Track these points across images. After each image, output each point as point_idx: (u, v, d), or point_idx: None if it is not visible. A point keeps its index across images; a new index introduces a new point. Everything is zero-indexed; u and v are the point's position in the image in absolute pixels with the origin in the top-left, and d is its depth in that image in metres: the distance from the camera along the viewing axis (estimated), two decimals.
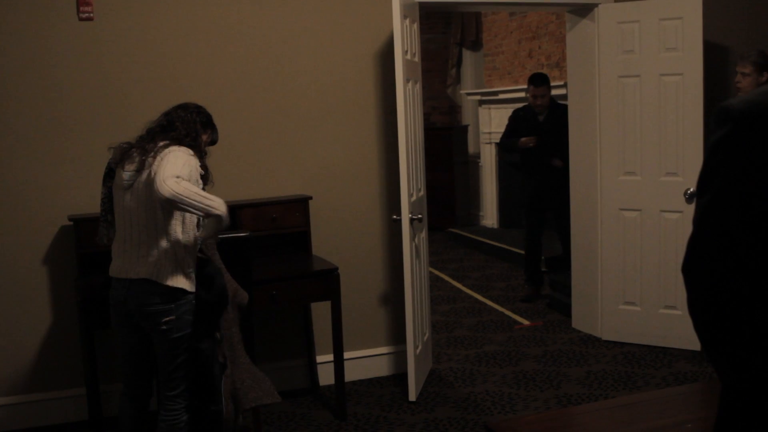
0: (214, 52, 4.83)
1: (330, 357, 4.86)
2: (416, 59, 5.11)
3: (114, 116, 4.66)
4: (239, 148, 4.90)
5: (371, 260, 5.25)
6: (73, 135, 4.63)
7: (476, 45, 11.12)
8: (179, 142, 3.50)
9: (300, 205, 4.93)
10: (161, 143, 3.49)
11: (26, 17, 4.52)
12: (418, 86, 5.16)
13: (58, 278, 4.69)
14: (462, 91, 11.36)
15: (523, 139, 6.88)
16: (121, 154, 3.56)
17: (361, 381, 5.21)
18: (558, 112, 6.82)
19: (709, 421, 2.04)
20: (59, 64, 4.60)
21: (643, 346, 5.70)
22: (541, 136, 6.83)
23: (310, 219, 4.97)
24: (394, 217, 4.89)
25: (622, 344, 5.76)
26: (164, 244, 3.44)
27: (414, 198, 4.87)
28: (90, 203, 4.60)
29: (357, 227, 5.19)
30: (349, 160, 5.14)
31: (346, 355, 4.93)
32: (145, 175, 3.41)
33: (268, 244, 4.92)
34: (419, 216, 4.87)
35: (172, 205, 3.28)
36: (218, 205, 3.33)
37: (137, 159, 3.47)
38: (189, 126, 3.60)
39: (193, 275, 3.54)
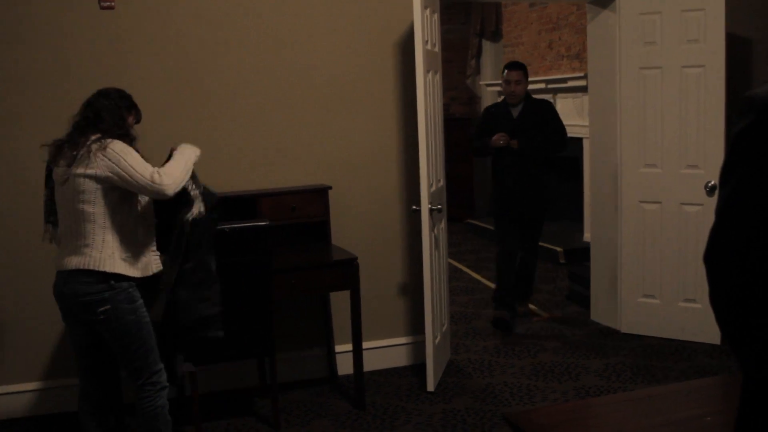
0: (234, 42, 4.84)
1: (349, 347, 4.87)
2: (436, 50, 5.10)
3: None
4: (259, 137, 4.92)
5: (390, 250, 5.26)
6: None
7: (496, 36, 11.08)
8: (111, 134, 3.50)
9: (320, 194, 4.94)
10: (93, 137, 3.48)
11: (48, 6, 4.54)
12: (438, 77, 5.15)
13: None
14: (481, 82, 11.33)
15: (494, 136, 5.96)
16: (55, 151, 3.57)
17: (379, 371, 5.23)
18: (534, 107, 6.14)
19: (729, 415, 2.03)
20: (80, 52, 4.63)
21: (662, 339, 5.68)
22: (515, 134, 5.97)
23: (329, 209, 4.98)
24: (414, 207, 4.89)
25: (641, 337, 5.75)
26: (96, 233, 3.42)
27: (434, 188, 4.87)
28: None
29: (376, 217, 5.20)
30: (369, 150, 5.14)
31: (365, 344, 4.94)
32: (79, 169, 3.40)
33: (287, 233, 4.93)
34: (439, 206, 4.87)
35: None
36: (192, 152, 3.66)
37: (68, 154, 3.48)
38: (115, 115, 3.60)
39: (133, 260, 3.50)
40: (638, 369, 5.15)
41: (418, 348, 5.29)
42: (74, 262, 3.42)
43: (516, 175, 6.02)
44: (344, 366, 5.13)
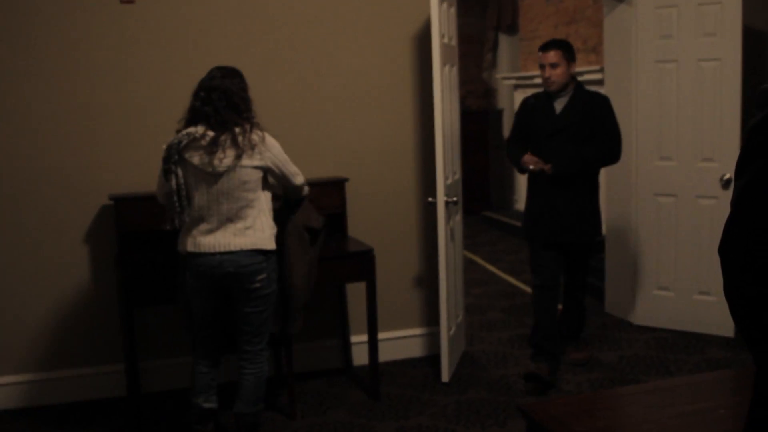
0: (252, 36, 4.87)
1: (364, 337, 4.91)
2: (453, 43, 5.12)
3: (154, 99, 4.74)
4: (277, 130, 4.93)
5: (406, 242, 5.29)
6: (114, 116, 4.70)
7: (512, 29, 11.07)
8: (253, 122, 3.82)
9: (336, 186, 4.98)
10: (246, 126, 3.78)
11: (69, 1, 4.59)
12: (455, 70, 5.17)
13: (99, 256, 4.79)
14: (498, 76, 11.33)
15: (525, 157, 4.80)
16: (195, 142, 3.75)
17: (394, 362, 5.27)
18: (585, 101, 4.86)
19: (742, 408, 2.04)
20: (100, 47, 4.68)
21: (676, 331, 5.70)
22: (554, 136, 4.80)
23: (346, 201, 5.01)
24: (430, 199, 4.92)
25: (655, 329, 5.76)
26: (257, 217, 3.83)
27: (449, 181, 4.90)
28: (130, 183, 4.68)
29: (392, 209, 5.23)
30: (386, 142, 5.17)
31: (380, 335, 4.98)
32: (245, 161, 3.73)
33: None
34: (454, 199, 4.90)
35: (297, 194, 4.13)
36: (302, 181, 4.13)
37: (227, 145, 3.71)
38: (248, 99, 3.88)
39: (274, 236, 3.92)
40: (652, 361, 5.17)
41: (432, 339, 5.32)
42: (239, 242, 3.77)
43: (552, 192, 4.84)
44: (359, 357, 5.17)
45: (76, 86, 4.65)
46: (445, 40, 4.85)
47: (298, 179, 4.03)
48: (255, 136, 3.76)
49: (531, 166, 4.75)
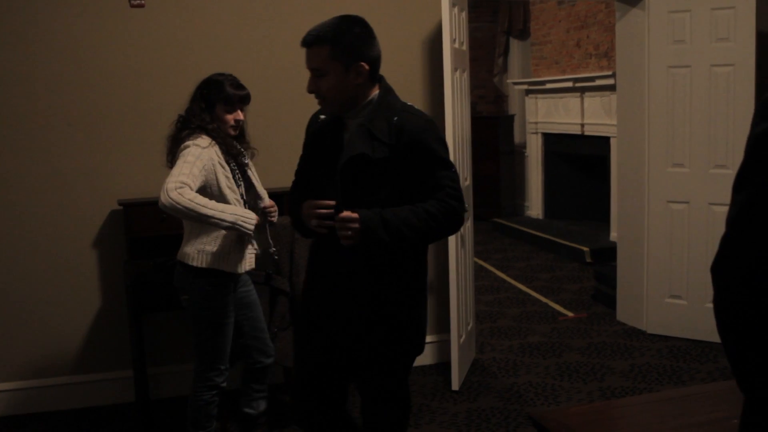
0: (260, 39, 4.86)
1: None
2: (464, 48, 5.10)
3: (164, 103, 4.72)
4: (286, 134, 4.93)
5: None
6: (123, 121, 4.69)
7: (524, 34, 11.05)
8: (190, 133, 3.57)
9: None
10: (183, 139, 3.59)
11: (78, 4, 4.58)
12: (466, 75, 5.14)
13: (107, 262, 4.77)
14: (509, 81, 11.30)
15: (307, 211, 2.77)
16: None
17: None
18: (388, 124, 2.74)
19: None
20: (110, 50, 4.67)
21: (689, 340, 5.64)
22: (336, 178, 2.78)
23: None
24: None
25: (667, 338, 5.71)
26: (191, 229, 3.61)
27: None
28: (139, 188, 4.67)
29: None
30: None
31: None
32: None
33: None
34: (465, 205, 4.86)
35: (175, 214, 3.37)
36: (226, 217, 3.42)
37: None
38: (191, 108, 3.66)
39: (219, 254, 3.58)
40: (664, 370, 5.12)
41: (443, 346, 5.28)
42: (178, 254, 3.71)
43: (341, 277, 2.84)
44: None
45: (85, 90, 4.64)
46: (456, 44, 4.82)
47: (162, 194, 3.33)
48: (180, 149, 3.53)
49: (318, 228, 2.74)
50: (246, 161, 3.75)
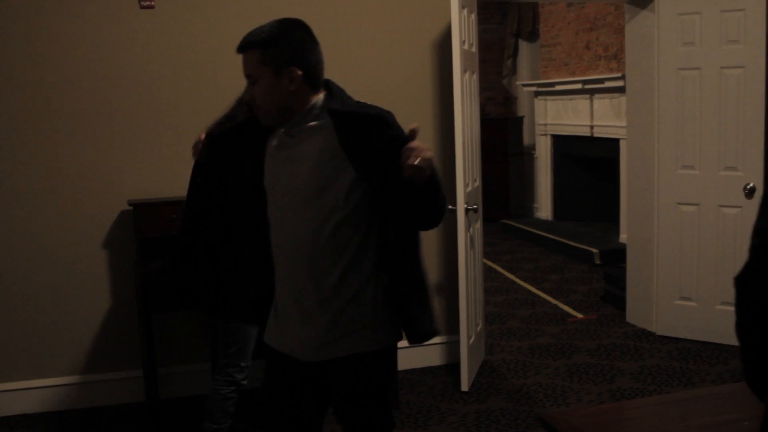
0: None
1: None
2: (473, 50, 5.10)
3: (174, 104, 4.74)
4: None
5: (425, 249, 5.24)
6: (133, 122, 4.71)
7: (533, 36, 11.04)
8: None
9: None
10: None
11: (88, 5, 4.60)
12: (475, 77, 5.15)
13: (117, 262, 4.79)
14: (518, 82, 11.30)
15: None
16: None
17: (413, 370, 5.23)
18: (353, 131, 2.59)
19: None
20: (120, 52, 4.68)
21: (699, 342, 5.63)
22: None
23: None
24: (450, 207, 4.89)
25: (677, 340, 5.70)
26: None
27: (469, 188, 4.87)
28: (148, 188, 4.68)
29: None
30: None
31: (399, 343, 4.94)
32: None
33: None
34: (474, 206, 4.87)
35: None
36: None
37: None
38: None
39: None
40: (674, 372, 5.11)
41: (452, 347, 5.29)
42: None
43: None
44: None
45: (96, 91, 4.66)
46: (466, 46, 4.83)
47: None
48: None
49: None
50: None
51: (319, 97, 2.62)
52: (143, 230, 4.56)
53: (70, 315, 4.76)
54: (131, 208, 4.62)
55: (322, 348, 2.52)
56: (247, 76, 2.59)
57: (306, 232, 2.48)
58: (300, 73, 2.54)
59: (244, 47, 2.61)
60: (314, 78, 2.61)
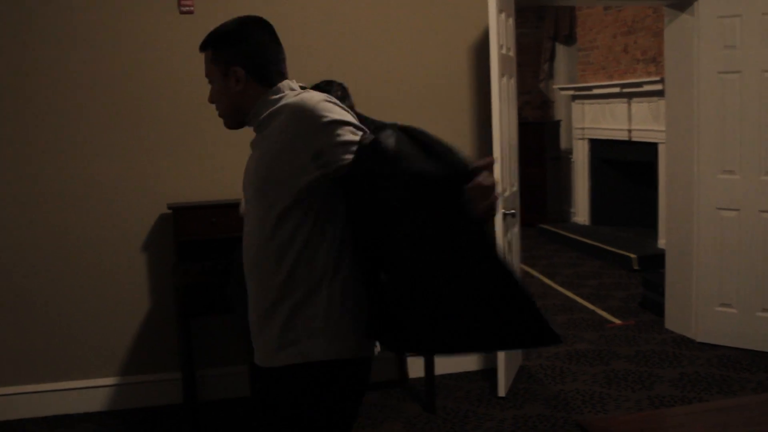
0: (309, 46, 4.89)
1: None
2: (511, 54, 5.08)
3: (213, 108, 4.76)
4: None
5: None
6: (172, 126, 4.75)
7: (570, 39, 10.98)
8: None
9: None
10: None
11: (128, 11, 4.65)
12: (513, 81, 5.13)
13: (156, 265, 4.83)
14: (555, 86, 11.24)
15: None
16: None
17: (450, 375, 5.22)
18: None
19: None
20: (160, 56, 4.73)
21: (739, 349, 5.56)
22: None
23: None
24: None
25: (717, 347, 5.64)
26: None
27: (507, 193, 4.85)
28: (188, 192, 4.72)
29: None
30: None
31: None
32: None
33: None
34: (512, 211, 4.85)
35: None
36: None
37: None
38: None
39: None
40: (714, 380, 5.05)
41: (489, 353, 5.27)
42: None
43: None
44: (415, 369, 5.13)
45: (135, 95, 4.71)
46: (503, 50, 4.81)
47: None
48: None
49: None
50: None
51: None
52: (182, 233, 4.60)
53: (110, 317, 4.81)
54: (170, 211, 4.66)
55: (274, 354, 2.33)
56: (207, 77, 2.55)
57: (254, 228, 2.37)
58: (242, 72, 2.43)
59: (201, 47, 2.56)
60: (264, 78, 2.44)
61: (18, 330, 4.74)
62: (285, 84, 2.46)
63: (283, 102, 2.37)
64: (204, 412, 4.73)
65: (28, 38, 4.58)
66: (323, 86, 3.77)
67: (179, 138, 4.76)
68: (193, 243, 4.62)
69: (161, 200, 4.76)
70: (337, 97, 3.36)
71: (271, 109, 2.40)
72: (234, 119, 2.53)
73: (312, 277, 2.30)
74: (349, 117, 2.29)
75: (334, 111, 2.26)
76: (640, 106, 8.83)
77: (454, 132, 5.13)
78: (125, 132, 4.73)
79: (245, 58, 2.43)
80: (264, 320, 2.36)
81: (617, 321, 6.42)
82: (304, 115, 2.26)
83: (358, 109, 3.77)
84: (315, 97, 2.30)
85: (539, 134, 11.09)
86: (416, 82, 5.07)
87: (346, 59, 4.95)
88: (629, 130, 9.08)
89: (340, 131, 2.24)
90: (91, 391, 4.81)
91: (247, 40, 2.47)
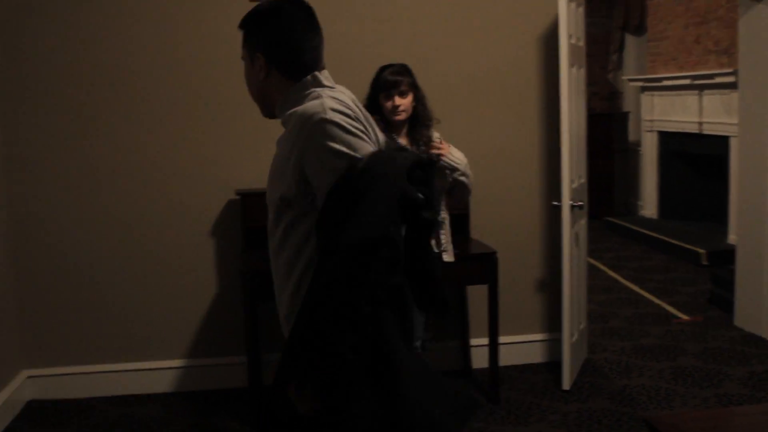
0: (376, 37, 4.89)
1: (484, 340, 4.87)
2: (581, 44, 5.02)
3: None
4: None
5: (529, 245, 5.21)
6: (241, 112, 4.79)
7: (640, 29, 10.81)
8: None
9: None
10: None
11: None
12: (582, 72, 5.07)
13: (224, 250, 4.89)
14: (624, 77, 11.08)
15: None
16: None
17: (514, 366, 5.19)
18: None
19: None
20: (228, 44, 4.76)
21: None
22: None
23: (469, 202, 4.97)
24: (554, 203, 4.83)
25: None
26: None
27: (575, 185, 4.80)
28: (256, 179, 4.76)
29: (516, 212, 5.17)
30: (510, 144, 5.11)
31: (501, 339, 4.92)
32: None
33: None
34: (580, 203, 4.80)
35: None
36: None
37: None
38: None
39: None
40: None
41: (554, 345, 5.23)
42: None
43: None
44: (478, 360, 5.12)
45: (204, 84, 4.77)
46: (573, 40, 4.76)
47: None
48: None
49: None
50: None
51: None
52: (250, 219, 4.65)
53: (178, 302, 4.89)
54: (239, 197, 4.71)
55: None
56: (241, 58, 2.40)
57: (270, 233, 2.25)
58: (263, 60, 2.27)
59: (239, 25, 2.38)
60: (287, 68, 2.26)
61: (91, 313, 4.85)
62: (310, 79, 2.25)
63: (305, 101, 2.18)
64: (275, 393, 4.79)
65: (90, 28, 4.66)
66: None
67: (248, 124, 4.80)
68: (261, 229, 4.64)
69: (230, 186, 4.82)
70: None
71: (291, 109, 2.21)
72: (264, 107, 2.37)
73: None
74: (351, 137, 2.07)
75: (334, 132, 2.06)
76: (711, 99, 8.66)
77: (520, 122, 5.09)
78: (195, 119, 4.79)
79: (268, 46, 2.25)
80: (284, 330, 2.32)
81: (684, 316, 6.31)
82: (303, 128, 2.10)
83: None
84: (322, 108, 2.10)
85: (607, 126, 10.95)
86: (484, 71, 5.04)
87: (413, 49, 4.93)
88: (700, 123, 8.91)
89: (333, 158, 2.05)
90: (158, 373, 4.90)
91: (274, 25, 2.26)
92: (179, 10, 4.71)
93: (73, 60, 4.67)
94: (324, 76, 2.29)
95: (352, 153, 2.06)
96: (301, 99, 2.20)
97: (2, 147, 4.67)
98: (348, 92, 2.31)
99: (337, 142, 2.05)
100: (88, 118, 4.73)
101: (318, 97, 2.17)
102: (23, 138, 4.69)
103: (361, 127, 2.14)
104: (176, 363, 4.93)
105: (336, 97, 2.17)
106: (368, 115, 2.31)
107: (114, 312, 4.87)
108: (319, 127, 2.06)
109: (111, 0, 4.64)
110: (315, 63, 2.27)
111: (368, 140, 2.13)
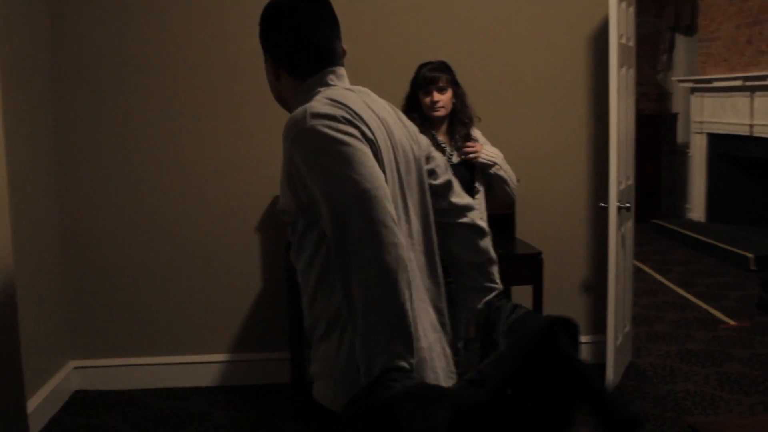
0: (427, 34, 4.88)
1: None
2: (631, 44, 4.97)
3: None
4: None
5: (574, 246, 5.18)
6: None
7: (691, 29, 10.67)
8: None
9: None
10: None
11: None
12: (632, 72, 5.02)
13: (268, 246, 4.93)
14: (673, 78, 10.95)
15: None
16: None
17: None
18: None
19: None
20: None
21: None
22: None
23: (515, 202, 4.94)
24: (601, 204, 4.79)
25: None
26: None
27: (623, 186, 4.75)
28: None
29: (562, 213, 5.13)
30: (558, 144, 5.08)
31: None
32: None
33: None
34: (627, 205, 4.75)
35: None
36: None
37: None
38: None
39: None
40: None
41: (598, 347, 5.18)
42: None
43: None
44: None
45: (251, 83, 4.79)
46: (623, 40, 4.71)
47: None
48: None
49: None
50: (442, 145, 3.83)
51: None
52: None
53: (223, 297, 4.94)
54: None
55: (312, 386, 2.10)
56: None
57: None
58: (272, 61, 2.09)
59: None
60: (293, 68, 2.08)
61: (137, 307, 4.92)
62: (317, 78, 2.06)
63: (310, 103, 1.95)
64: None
65: (137, 30, 4.71)
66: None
67: None
68: None
69: (274, 183, 4.84)
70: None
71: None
72: (285, 109, 2.19)
73: (329, 311, 1.93)
74: (334, 145, 1.81)
75: (314, 142, 1.83)
76: (763, 101, 8.52)
77: (568, 122, 5.05)
78: (241, 116, 4.83)
79: (274, 46, 2.07)
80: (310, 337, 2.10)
81: (731, 322, 6.22)
82: (286, 141, 1.93)
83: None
84: (302, 116, 1.89)
85: (655, 127, 10.83)
86: (532, 71, 5.01)
87: (461, 52, 4.92)
88: (751, 125, 8.78)
89: (314, 175, 1.81)
90: (202, 366, 4.95)
91: (275, 24, 2.08)
92: (221, 11, 4.74)
93: (122, 66, 4.74)
94: (336, 74, 2.10)
95: (331, 172, 1.78)
96: (309, 100, 1.98)
97: (57, 152, 4.77)
98: (363, 92, 2.11)
99: (314, 157, 1.82)
100: (137, 123, 4.80)
101: (312, 98, 1.98)
102: (77, 141, 4.79)
103: (355, 132, 1.86)
104: (220, 357, 4.97)
105: (331, 97, 1.95)
106: (387, 117, 2.09)
107: (159, 306, 4.93)
108: (298, 140, 1.86)
109: (160, 6, 4.70)
110: (325, 60, 2.07)
111: (361, 141, 1.85)
